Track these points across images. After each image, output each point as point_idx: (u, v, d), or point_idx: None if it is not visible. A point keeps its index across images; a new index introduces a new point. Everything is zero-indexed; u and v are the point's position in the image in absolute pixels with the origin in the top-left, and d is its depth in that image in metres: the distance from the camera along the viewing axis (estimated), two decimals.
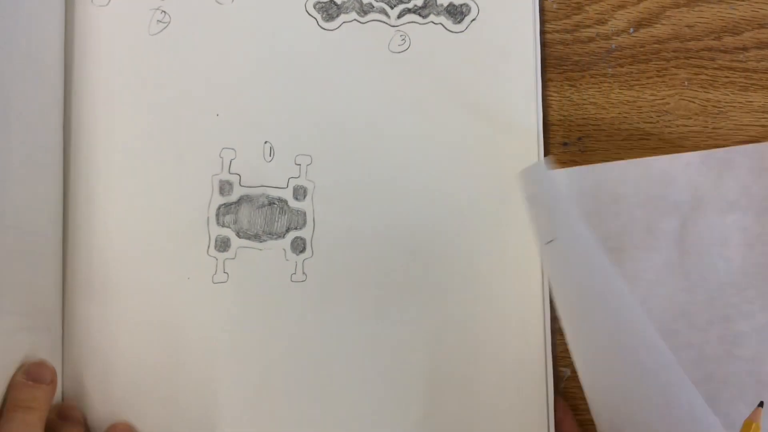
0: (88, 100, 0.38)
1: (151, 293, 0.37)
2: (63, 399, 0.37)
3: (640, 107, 0.40)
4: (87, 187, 0.38)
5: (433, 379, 0.38)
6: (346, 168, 0.39)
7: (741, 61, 0.40)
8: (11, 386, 0.33)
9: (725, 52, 0.41)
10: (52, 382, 0.34)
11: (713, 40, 0.41)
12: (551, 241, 0.35)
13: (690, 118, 0.40)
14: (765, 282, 0.38)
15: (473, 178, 0.39)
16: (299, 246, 0.38)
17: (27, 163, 0.34)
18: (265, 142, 0.39)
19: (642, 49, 0.40)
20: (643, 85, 0.40)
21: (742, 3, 0.41)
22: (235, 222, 0.38)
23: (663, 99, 0.40)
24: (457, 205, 0.39)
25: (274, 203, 0.38)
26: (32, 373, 0.34)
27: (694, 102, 0.40)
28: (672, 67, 0.40)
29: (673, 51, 0.41)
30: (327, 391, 0.37)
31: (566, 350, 0.37)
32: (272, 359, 0.38)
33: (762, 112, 0.40)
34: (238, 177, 0.38)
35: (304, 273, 0.38)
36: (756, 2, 0.41)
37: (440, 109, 0.39)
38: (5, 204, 0.33)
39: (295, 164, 0.39)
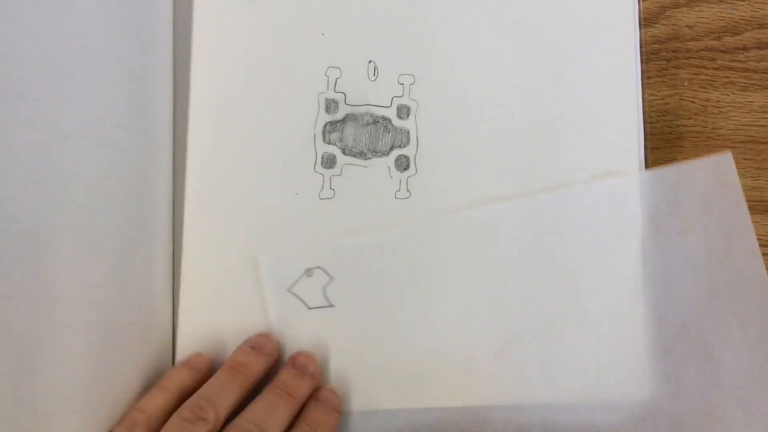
0: (205, 25, 0.39)
1: (260, 208, 0.38)
2: (174, 305, 0.38)
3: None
4: (200, 103, 0.39)
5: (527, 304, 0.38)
6: (449, 88, 0.40)
7: (741, 61, 0.41)
8: (236, 349, 0.36)
9: (725, 52, 0.41)
10: (271, 354, 0.36)
11: (713, 40, 0.41)
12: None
13: (690, 118, 0.40)
14: (738, 300, 0.36)
15: (574, 105, 0.39)
16: (403, 164, 0.39)
17: (149, 78, 0.37)
18: (369, 62, 0.39)
19: (642, 49, 0.40)
20: (643, 85, 0.40)
21: (742, 3, 0.41)
22: (341, 139, 0.39)
23: (663, 99, 0.40)
24: (558, 126, 0.39)
25: (378, 121, 0.39)
26: (253, 341, 0.36)
27: (694, 102, 0.40)
28: (672, 67, 0.41)
29: (673, 51, 0.41)
30: (425, 305, 0.38)
31: None
32: (377, 273, 0.38)
33: (762, 112, 0.40)
34: (343, 95, 0.39)
35: (408, 190, 0.39)
36: (756, 2, 0.41)
37: (545, 34, 0.40)
38: (134, 112, 0.36)
39: (399, 83, 0.40)
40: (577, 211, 0.38)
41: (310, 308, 0.38)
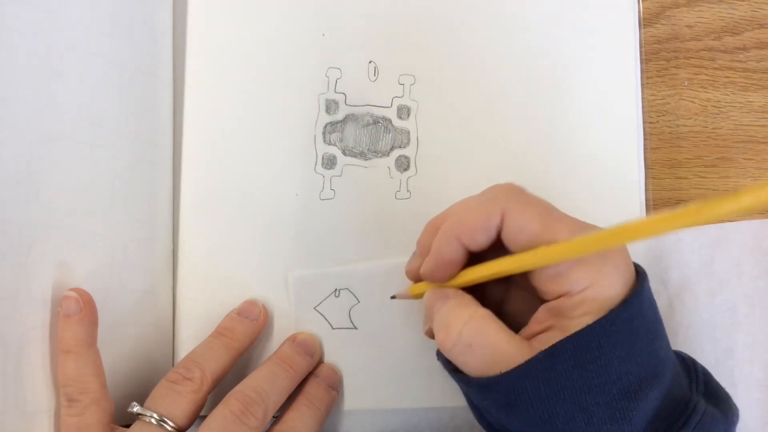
0: (200, 25, 0.39)
1: (261, 209, 0.38)
2: (174, 305, 0.38)
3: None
4: (199, 103, 0.39)
5: None
6: (449, 88, 0.39)
7: (741, 61, 0.41)
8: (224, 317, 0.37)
9: (725, 52, 0.41)
10: (257, 319, 0.37)
11: (713, 40, 0.41)
12: None
13: (690, 118, 0.40)
14: (749, 362, 0.37)
15: (574, 105, 0.39)
16: (403, 164, 0.39)
17: (142, 79, 0.37)
18: (370, 62, 0.39)
19: (642, 49, 0.40)
20: (643, 85, 0.40)
21: (742, 3, 0.41)
22: (341, 140, 0.39)
23: (663, 99, 0.40)
24: (558, 127, 0.39)
25: (378, 122, 0.39)
26: (241, 308, 0.37)
27: (694, 102, 0.40)
28: (672, 67, 0.40)
29: (673, 51, 0.41)
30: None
31: None
32: (377, 273, 0.38)
33: (762, 112, 0.40)
34: (343, 96, 0.39)
35: (408, 191, 0.39)
36: (756, 2, 0.41)
37: (545, 34, 0.40)
38: (127, 112, 0.36)
39: (399, 84, 0.39)
40: None
41: (334, 328, 0.38)
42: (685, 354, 0.32)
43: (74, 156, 0.33)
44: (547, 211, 0.28)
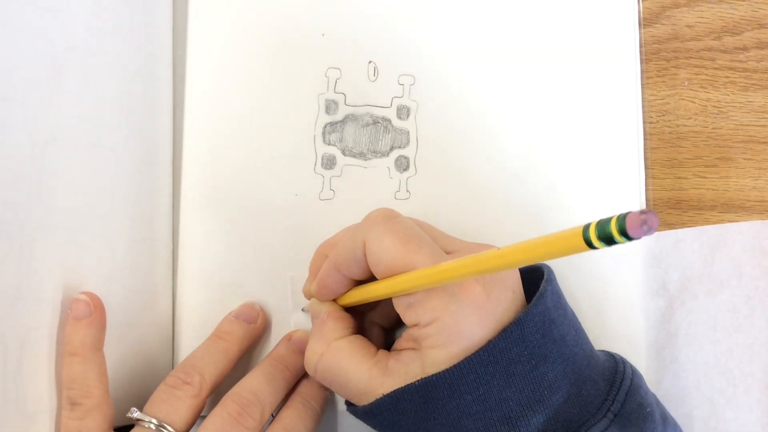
0: (200, 25, 0.39)
1: (260, 209, 0.38)
2: (174, 305, 0.38)
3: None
4: (199, 103, 0.39)
5: None
6: (449, 88, 0.39)
7: (741, 61, 0.40)
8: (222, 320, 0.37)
9: (725, 52, 0.41)
10: (254, 322, 0.37)
11: (713, 40, 0.41)
12: None
13: (690, 118, 0.40)
14: (749, 363, 0.37)
15: (574, 105, 0.39)
16: (403, 164, 0.39)
17: (143, 79, 0.37)
18: (369, 62, 0.39)
19: (642, 49, 0.40)
20: (643, 85, 0.40)
21: (742, 3, 0.41)
22: (341, 140, 0.39)
23: (663, 99, 0.40)
24: (558, 126, 0.39)
25: (378, 122, 0.39)
26: (239, 311, 0.37)
27: (694, 102, 0.40)
28: (672, 67, 0.40)
29: (673, 51, 0.41)
30: None
31: None
32: None
33: (762, 112, 0.40)
34: (343, 96, 0.39)
35: (407, 191, 0.39)
36: (756, 2, 0.41)
37: (545, 34, 0.40)
38: (128, 112, 0.35)
39: (399, 84, 0.39)
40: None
41: None
42: (623, 365, 0.32)
43: (75, 156, 0.33)
44: (406, 239, 0.29)
